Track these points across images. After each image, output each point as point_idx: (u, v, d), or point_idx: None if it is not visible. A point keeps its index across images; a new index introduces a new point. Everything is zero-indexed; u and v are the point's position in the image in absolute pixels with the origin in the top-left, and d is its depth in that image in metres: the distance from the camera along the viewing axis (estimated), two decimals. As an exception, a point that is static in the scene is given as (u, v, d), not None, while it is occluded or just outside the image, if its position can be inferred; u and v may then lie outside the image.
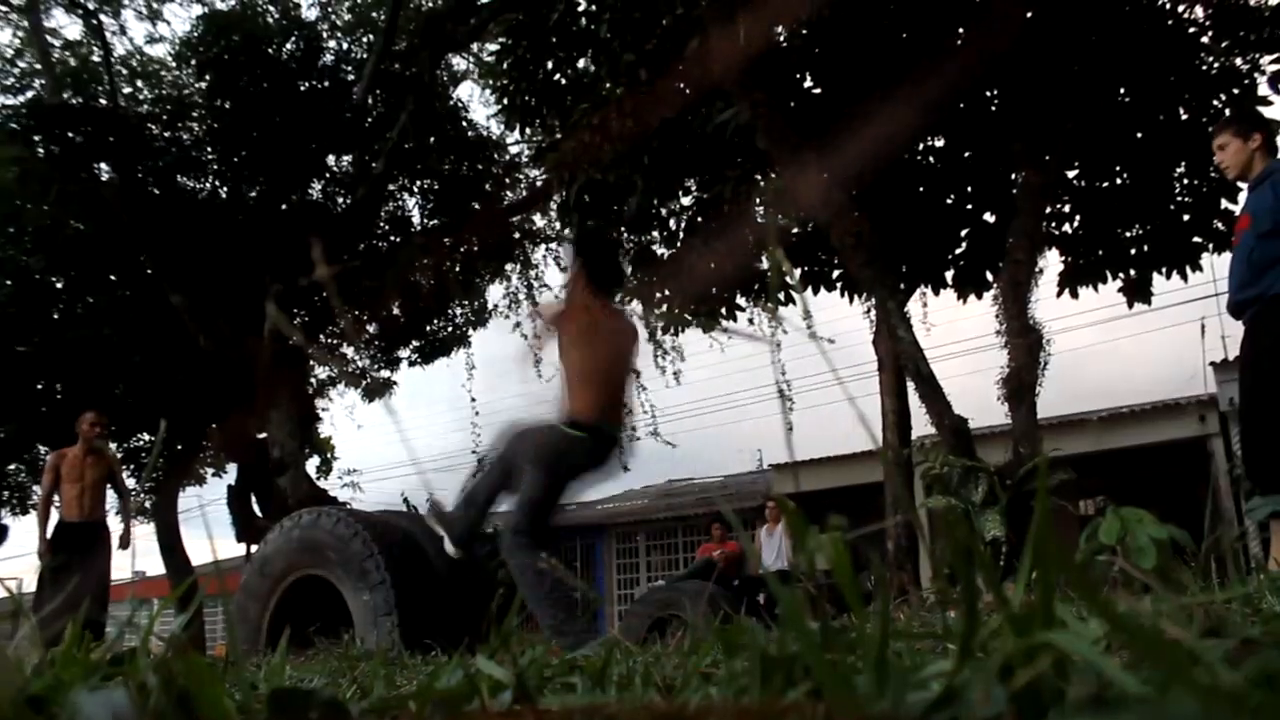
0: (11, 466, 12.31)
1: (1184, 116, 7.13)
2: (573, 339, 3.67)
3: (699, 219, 8.42)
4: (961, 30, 7.19)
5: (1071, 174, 7.68)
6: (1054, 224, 7.84)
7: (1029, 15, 6.50)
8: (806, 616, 0.52)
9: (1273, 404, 3.65)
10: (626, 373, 3.91)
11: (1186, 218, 7.42)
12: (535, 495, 3.57)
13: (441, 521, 3.72)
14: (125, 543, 7.29)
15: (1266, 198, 3.70)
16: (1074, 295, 7.82)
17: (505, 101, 8.39)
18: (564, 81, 8.24)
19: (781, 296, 7.87)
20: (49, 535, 7.01)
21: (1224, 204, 7.22)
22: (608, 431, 3.68)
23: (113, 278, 11.99)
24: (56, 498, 7.17)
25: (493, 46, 10.62)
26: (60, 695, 0.59)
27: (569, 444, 3.56)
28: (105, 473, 7.29)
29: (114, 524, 7.37)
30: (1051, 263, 8.45)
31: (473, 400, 13.53)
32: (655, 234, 8.91)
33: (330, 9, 12.31)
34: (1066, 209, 7.87)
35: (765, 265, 8.35)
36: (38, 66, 11.15)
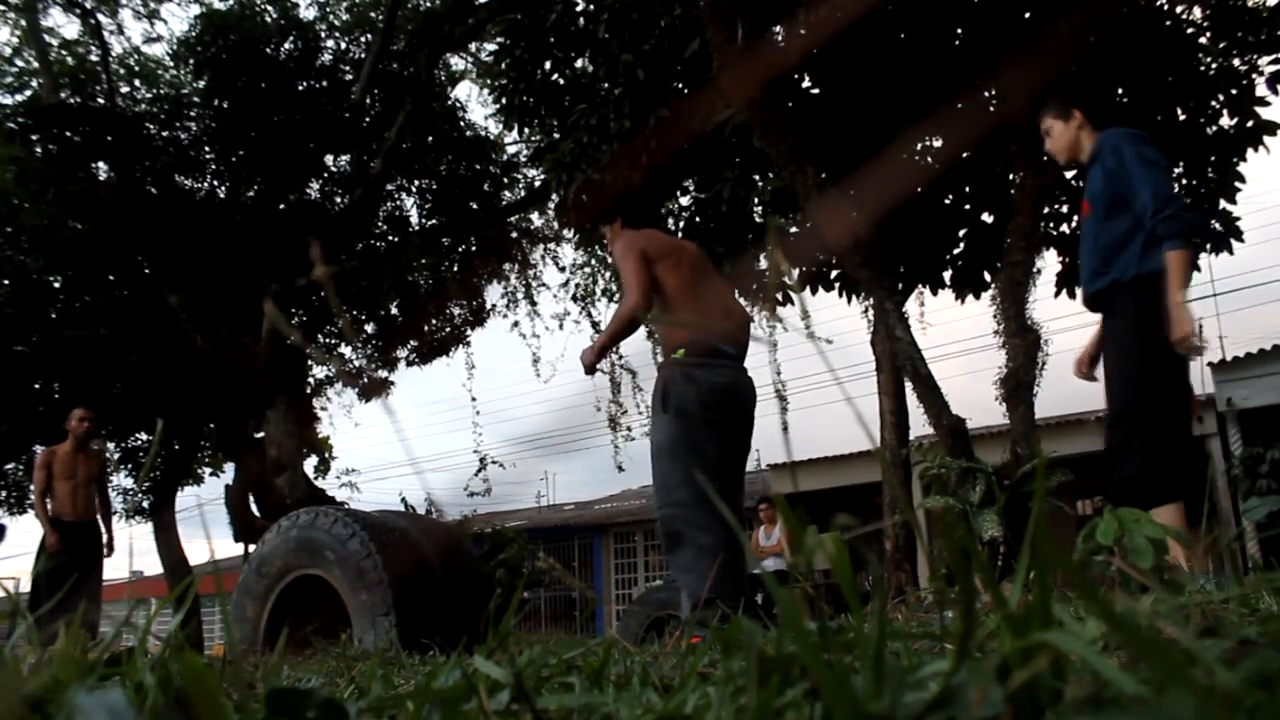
0: (9, 466, 12.30)
1: (1181, 117, 7.14)
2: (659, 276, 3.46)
3: (697, 219, 8.42)
4: (960, 31, 7.20)
5: (1069, 174, 7.69)
6: (1052, 224, 7.84)
7: (1027, 15, 6.51)
8: (804, 616, 0.52)
9: (1141, 401, 3.24)
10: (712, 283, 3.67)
11: (1184, 218, 7.42)
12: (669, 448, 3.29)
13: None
14: (110, 548, 7.17)
15: (1098, 177, 3.44)
16: (1072, 295, 7.83)
17: (503, 101, 8.39)
18: (562, 82, 8.24)
19: (779, 296, 7.87)
20: (44, 535, 6.95)
21: (1222, 204, 7.23)
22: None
23: (111, 277, 11.98)
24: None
25: (491, 46, 10.65)
26: (58, 695, 0.59)
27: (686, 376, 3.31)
28: (96, 470, 7.21)
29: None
30: (1049, 263, 8.46)
31: (473, 400, 13.60)
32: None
33: (328, 9, 12.31)
34: (1064, 209, 7.88)
35: (763, 265, 8.36)
36: (35, 66, 11.14)
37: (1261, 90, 6.98)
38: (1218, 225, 7.27)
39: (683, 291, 3.46)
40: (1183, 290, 3.12)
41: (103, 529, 7.20)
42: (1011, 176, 7.39)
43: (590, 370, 3.51)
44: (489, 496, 12.71)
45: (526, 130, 9.09)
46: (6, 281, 11.49)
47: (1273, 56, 6.93)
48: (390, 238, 13.07)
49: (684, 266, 3.51)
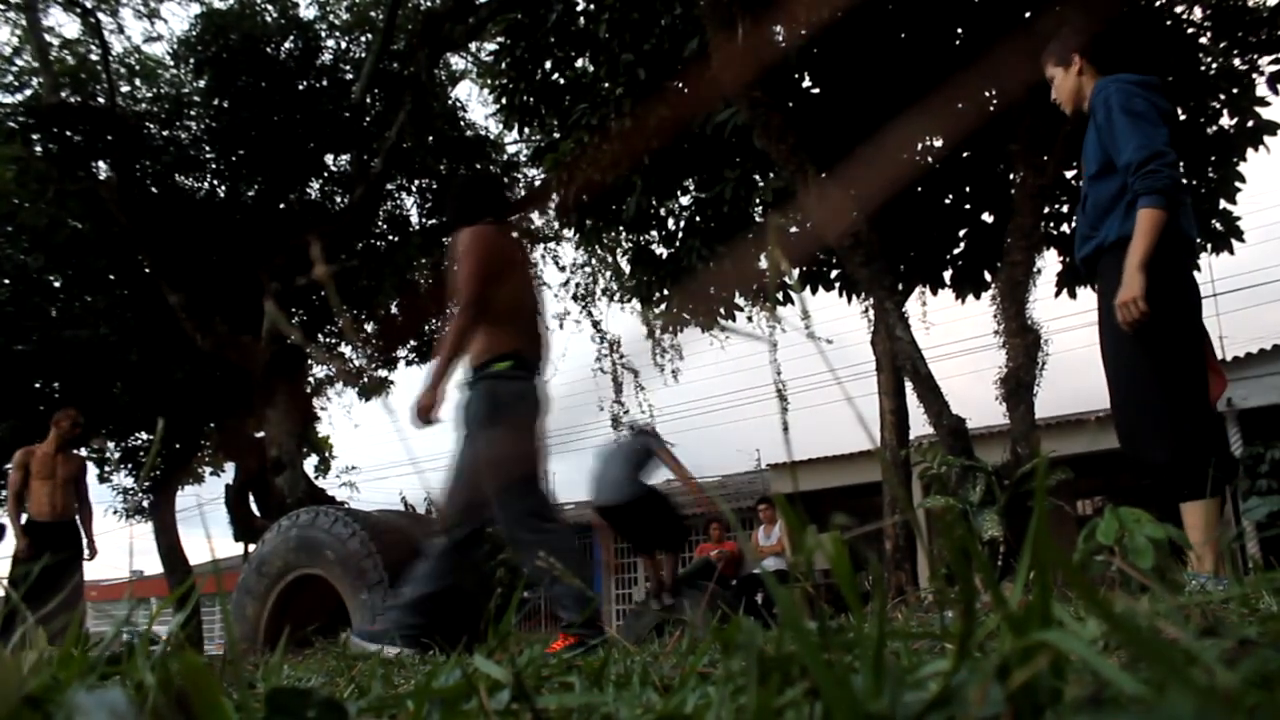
0: (8, 465, 12.30)
1: (1182, 117, 7.14)
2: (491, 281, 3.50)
3: (697, 219, 8.42)
4: (960, 30, 7.20)
5: (1069, 174, 7.70)
6: (1052, 224, 7.85)
7: (1027, 15, 6.51)
8: (804, 616, 0.52)
9: (1138, 368, 2.95)
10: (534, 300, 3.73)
11: (1184, 218, 7.43)
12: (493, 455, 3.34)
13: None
14: (91, 551, 7.07)
15: (1091, 132, 3.11)
16: (1072, 295, 7.83)
17: (503, 101, 8.39)
18: (562, 81, 8.24)
19: (780, 296, 7.88)
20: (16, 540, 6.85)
21: (1222, 204, 7.23)
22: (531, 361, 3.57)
23: (111, 277, 11.98)
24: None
25: (491, 46, 10.64)
26: (57, 694, 0.59)
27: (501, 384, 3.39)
28: (76, 472, 7.12)
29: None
30: (1050, 262, 8.46)
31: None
32: (654, 234, 8.92)
33: (328, 8, 12.31)
34: (1064, 209, 7.88)
35: (764, 265, 8.35)
36: (36, 65, 11.14)
37: (1262, 90, 6.98)
38: (1218, 225, 7.28)
39: (511, 303, 3.51)
40: (1144, 252, 2.82)
41: (83, 532, 7.08)
42: (1011, 176, 7.40)
43: (426, 411, 3.36)
44: None
45: (527, 130, 9.09)
46: (6, 280, 11.49)
47: (1273, 56, 6.93)
48: (390, 237, 13.07)
49: (516, 277, 3.54)
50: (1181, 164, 2.98)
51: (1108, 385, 3.08)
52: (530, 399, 3.44)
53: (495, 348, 3.40)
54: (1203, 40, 7.10)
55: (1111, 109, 3.00)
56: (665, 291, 8.76)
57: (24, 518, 6.93)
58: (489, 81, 9.32)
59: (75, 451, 7.31)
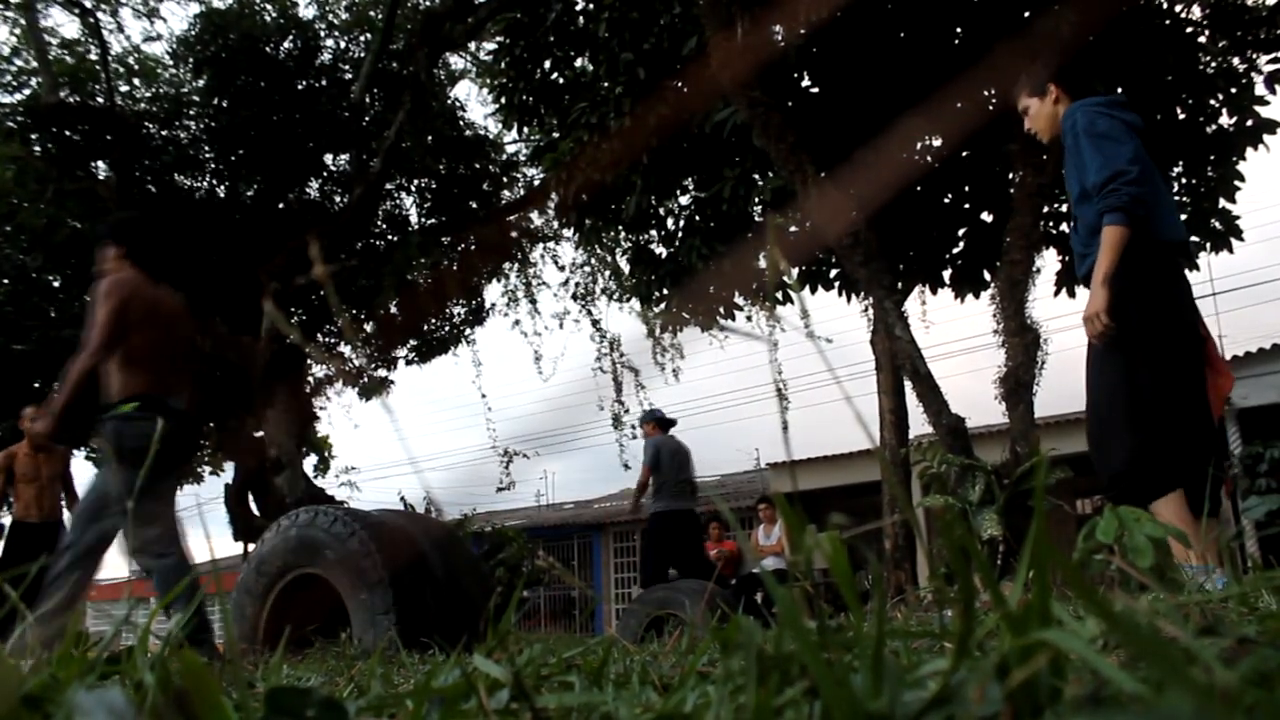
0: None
1: (1181, 116, 7.14)
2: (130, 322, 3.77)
3: (697, 218, 8.42)
4: (960, 30, 7.20)
5: (1069, 173, 7.70)
6: (1051, 223, 7.85)
7: (1026, 15, 6.51)
8: (803, 615, 0.52)
9: (1107, 375, 3.05)
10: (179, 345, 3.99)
11: (1183, 218, 7.43)
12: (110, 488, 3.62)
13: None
14: None
15: (1069, 161, 3.23)
16: (1071, 294, 7.84)
17: (503, 100, 8.39)
18: (562, 81, 8.24)
19: (779, 295, 7.88)
20: (4, 536, 6.81)
21: (1222, 203, 7.23)
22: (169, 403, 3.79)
23: (110, 276, 11.95)
24: (11, 498, 6.93)
25: (490, 45, 10.63)
26: (57, 694, 0.59)
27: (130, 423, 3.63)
28: (60, 469, 7.07)
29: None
30: (1049, 262, 8.45)
31: (483, 396, 13.73)
32: (653, 233, 8.92)
33: (328, 7, 12.30)
34: (1063, 209, 7.89)
35: (763, 264, 8.35)
36: (35, 65, 11.13)
37: (1260, 89, 6.99)
38: (1217, 224, 7.28)
39: (150, 348, 3.82)
40: (1107, 268, 2.98)
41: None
42: (1011, 175, 7.40)
43: (53, 434, 3.71)
44: (514, 489, 12.90)
45: (526, 129, 9.09)
46: (6, 280, 11.49)
47: (1271, 55, 6.94)
48: (390, 237, 13.07)
49: (158, 326, 3.85)
50: (1149, 177, 3.08)
51: (1086, 394, 3.19)
52: (153, 438, 3.66)
53: (125, 389, 3.73)
54: (1201, 39, 7.10)
55: (1078, 134, 3.13)
56: (665, 291, 8.76)
57: (8, 522, 6.88)
58: (488, 81, 9.32)
59: (58, 448, 7.24)
